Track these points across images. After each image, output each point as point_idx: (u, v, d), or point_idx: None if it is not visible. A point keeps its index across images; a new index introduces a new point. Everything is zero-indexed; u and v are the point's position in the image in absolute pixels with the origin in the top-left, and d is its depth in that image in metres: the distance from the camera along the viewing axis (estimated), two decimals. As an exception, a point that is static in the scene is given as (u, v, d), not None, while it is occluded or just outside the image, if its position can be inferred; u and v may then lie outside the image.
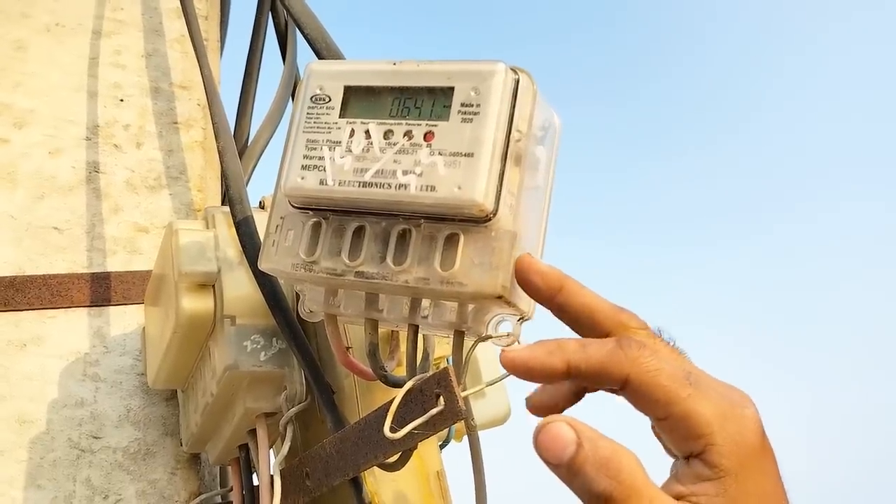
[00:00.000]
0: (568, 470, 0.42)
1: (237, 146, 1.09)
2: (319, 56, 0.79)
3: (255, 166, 1.09)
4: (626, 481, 0.42)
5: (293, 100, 1.16)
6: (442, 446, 0.83)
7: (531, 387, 0.51)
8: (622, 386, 0.45)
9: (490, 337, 0.56)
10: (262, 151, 1.09)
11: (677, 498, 0.43)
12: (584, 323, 0.49)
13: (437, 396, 0.54)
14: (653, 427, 0.49)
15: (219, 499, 0.89)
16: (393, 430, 0.54)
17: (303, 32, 0.83)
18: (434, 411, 0.54)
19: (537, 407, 0.52)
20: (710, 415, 0.44)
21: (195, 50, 1.02)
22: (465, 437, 0.80)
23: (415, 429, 0.54)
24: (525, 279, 0.51)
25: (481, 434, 0.78)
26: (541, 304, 0.51)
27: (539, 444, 0.43)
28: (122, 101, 1.10)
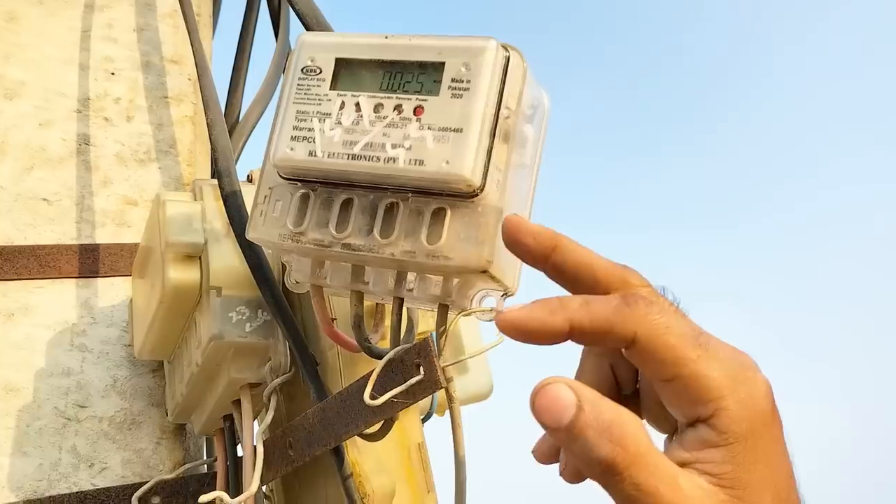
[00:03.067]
0: (567, 434, 0.40)
1: (228, 122, 1.09)
2: (310, 31, 0.80)
3: (245, 142, 1.09)
4: (629, 447, 0.39)
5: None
6: (424, 419, 0.84)
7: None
8: (629, 345, 0.43)
9: (473, 311, 0.57)
10: (253, 127, 1.09)
11: (682, 465, 0.41)
12: (583, 282, 0.46)
13: (418, 366, 0.55)
14: (642, 390, 0.48)
15: (203, 468, 0.90)
16: (373, 397, 0.55)
17: (295, 9, 0.84)
18: (413, 380, 0.55)
19: (545, 454, 0.50)
20: (720, 378, 0.41)
21: (187, 24, 1.02)
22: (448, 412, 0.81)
23: (395, 397, 0.55)
24: (515, 240, 0.47)
25: (464, 409, 0.78)
26: (534, 265, 0.48)
27: (536, 407, 0.40)
28: (113, 74, 1.10)
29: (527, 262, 0.48)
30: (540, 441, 0.50)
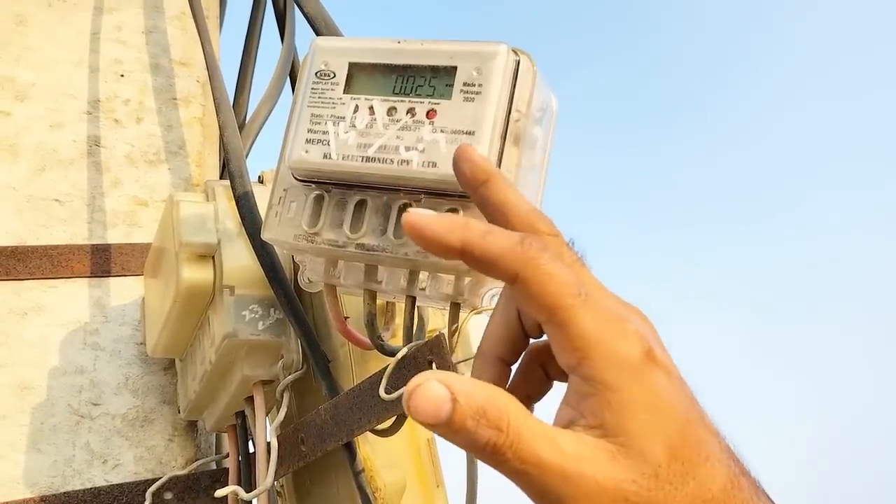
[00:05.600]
0: (448, 428, 0.40)
1: (236, 122, 1.11)
2: (318, 33, 0.81)
3: (253, 142, 1.10)
4: (507, 427, 0.39)
5: (291, 79, 1.17)
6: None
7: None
8: (512, 282, 0.43)
9: (485, 309, 0.58)
10: (261, 128, 1.10)
11: (568, 423, 0.41)
12: (497, 219, 0.47)
13: (430, 363, 0.56)
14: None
15: (214, 465, 0.91)
16: (387, 391, 0.57)
17: (302, 10, 0.85)
18: (427, 376, 0.56)
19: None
20: (587, 327, 0.41)
21: (197, 27, 1.03)
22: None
23: (409, 392, 0.56)
24: (456, 166, 0.48)
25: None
26: (467, 193, 0.49)
27: (412, 409, 0.39)
28: (122, 76, 1.11)
29: (463, 188, 0.49)
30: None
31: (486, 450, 0.39)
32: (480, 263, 0.44)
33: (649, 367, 0.41)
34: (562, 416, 0.42)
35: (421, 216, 0.44)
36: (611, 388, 0.40)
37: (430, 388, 0.39)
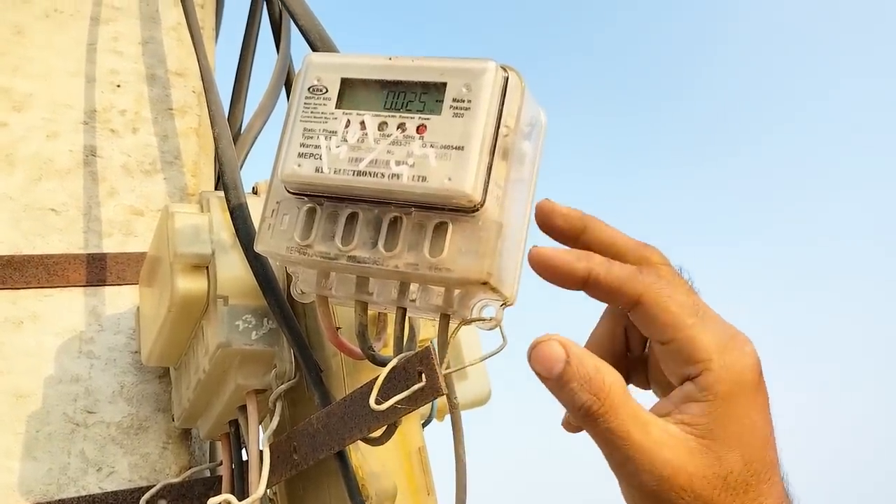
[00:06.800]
0: (556, 383, 0.46)
1: (231, 133, 1.12)
2: (313, 47, 0.82)
3: (247, 154, 1.11)
4: (605, 398, 0.45)
5: (286, 90, 1.18)
6: (424, 424, 0.86)
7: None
8: (633, 306, 0.48)
9: (474, 320, 0.59)
10: (255, 139, 1.11)
11: (664, 414, 0.47)
12: (609, 256, 0.51)
13: (420, 374, 0.57)
14: (650, 360, 0.53)
15: (208, 473, 0.92)
16: (378, 402, 0.58)
17: (297, 24, 0.86)
18: (416, 387, 0.57)
19: (568, 425, 0.56)
20: (711, 343, 0.47)
21: (192, 38, 1.05)
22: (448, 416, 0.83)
23: (398, 403, 0.57)
24: (548, 223, 0.53)
25: (463, 414, 0.81)
26: (565, 244, 0.54)
27: (532, 360, 0.47)
28: (118, 86, 1.12)
29: (559, 242, 0.54)
30: (566, 415, 0.56)
31: (580, 411, 0.46)
32: (604, 291, 0.49)
33: (759, 387, 0.47)
34: (659, 408, 0.48)
35: (547, 250, 0.51)
36: (720, 398, 0.46)
37: (551, 345, 0.47)
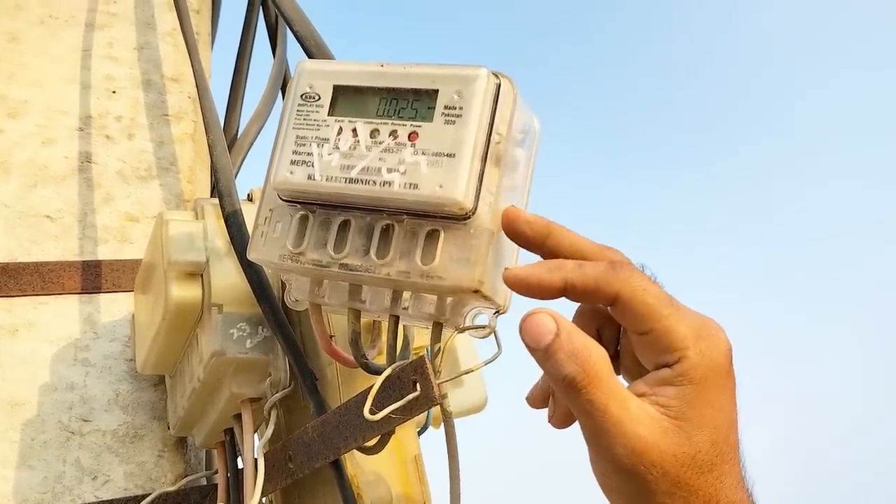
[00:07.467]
0: (544, 354, 0.48)
1: (227, 139, 1.11)
2: (309, 53, 0.82)
3: (243, 159, 1.11)
4: (590, 370, 0.47)
5: (282, 95, 1.18)
6: (420, 432, 0.86)
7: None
8: (612, 302, 0.50)
9: (467, 328, 0.59)
10: (251, 145, 1.11)
11: (639, 395, 0.49)
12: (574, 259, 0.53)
13: (414, 383, 0.57)
14: (622, 349, 0.55)
15: (204, 481, 0.92)
16: (372, 412, 0.57)
17: (292, 30, 0.86)
18: (410, 397, 0.57)
19: (536, 399, 0.58)
20: (687, 332, 0.49)
21: (187, 44, 1.04)
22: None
23: (392, 412, 0.57)
24: (513, 229, 0.54)
25: (460, 421, 0.81)
26: (531, 250, 0.55)
27: (523, 330, 0.49)
28: (114, 92, 1.12)
29: (525, 248, 0.55)
30: (532, 389, 0.59)
31: (564, 381, 0.47)
32: (582, 293, 0.51)
33: (729, 373, 0.50)
34: (634, 389, 0.49)
35: (520, 270, 0.52)
36: (694, 383, 0.48)
37: (542, 317, 0.49)
